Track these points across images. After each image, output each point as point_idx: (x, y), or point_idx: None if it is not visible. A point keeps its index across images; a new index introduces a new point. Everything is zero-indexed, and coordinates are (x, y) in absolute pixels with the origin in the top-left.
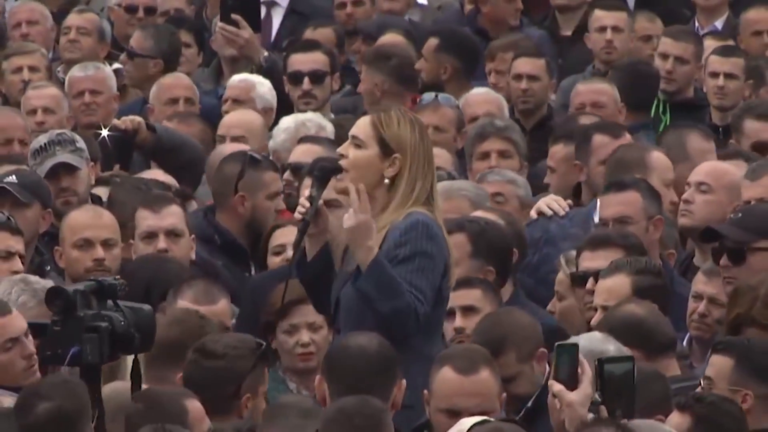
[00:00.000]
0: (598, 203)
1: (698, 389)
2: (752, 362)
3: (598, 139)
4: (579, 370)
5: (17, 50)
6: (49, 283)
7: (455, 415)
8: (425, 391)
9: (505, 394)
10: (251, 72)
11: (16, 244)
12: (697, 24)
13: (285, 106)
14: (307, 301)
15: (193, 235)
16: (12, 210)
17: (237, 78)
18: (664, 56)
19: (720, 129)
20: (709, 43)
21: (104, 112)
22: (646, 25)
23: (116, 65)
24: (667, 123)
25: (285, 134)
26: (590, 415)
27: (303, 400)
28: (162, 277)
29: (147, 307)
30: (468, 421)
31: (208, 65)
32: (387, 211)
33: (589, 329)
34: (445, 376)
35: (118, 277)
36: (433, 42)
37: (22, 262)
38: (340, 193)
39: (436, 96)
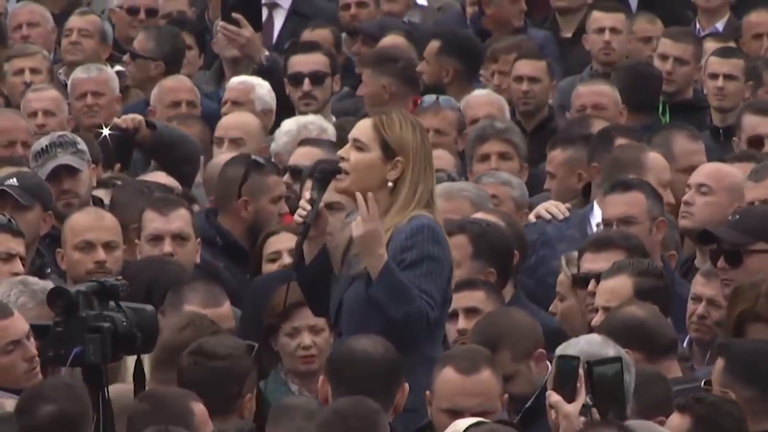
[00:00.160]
0: (596, 204)
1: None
2: (739, 365)
3: (621, 142)
4: (578, 384)
5: (19, 52)
6: (48, 284)
7: (457, 415)
8: (427, 392)
9: (507, 395)
10: (252, 74)
11: (17, 246)
12: (698, 25)
13: (285, 108)
14: None
15: (198, 239)
16: (13, 213)
17: (236, 80)
18: (664, 57)
19: (720, 131)
20: (710, 45)
21: (107, 113)
22: (646, 26)
23: (118, 67)
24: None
25: (287, 137)
26: (582, 419)
27: (308, 402)
28: (163, 279)
29: (149, 307)
30: (463, 423)
31: (209, 68)
32: (389, 214)
33: (590, 331)
34: (447, 376)
35: (119, 278)
36: (434, 44)
37: (23, 265)
38: (341, 193)
39: (437, 98)
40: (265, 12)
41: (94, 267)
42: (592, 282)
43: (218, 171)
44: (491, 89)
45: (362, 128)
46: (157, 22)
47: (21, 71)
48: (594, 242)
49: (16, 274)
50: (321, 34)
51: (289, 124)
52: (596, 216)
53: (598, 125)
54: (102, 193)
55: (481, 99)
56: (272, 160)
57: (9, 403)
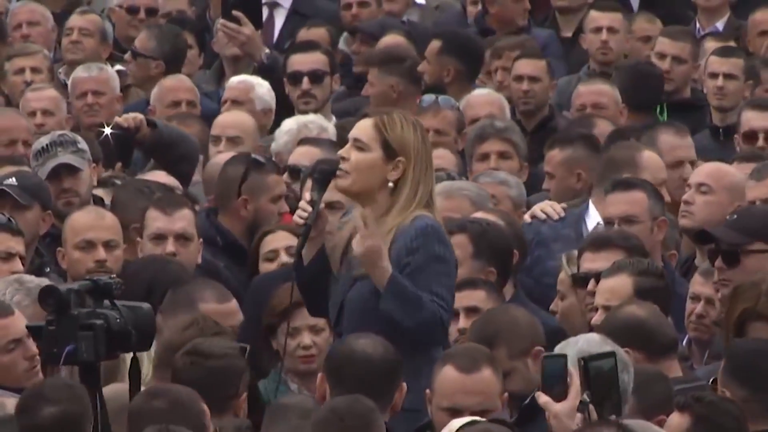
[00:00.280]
0: (591, 204)
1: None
2: (735, 364)
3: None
4: (567, 381)
5: (20, 51)
6: (43, 282)
7: (457, 413)
8: (427, 390)
9: (506, 393)
10: (253, 73)
11: (17, 245)
12: (698, 25)
13: (285, 107)
14: None
15: (200, 239)
16: (12, 212)
17: (236, 79)
18: (662, 56)
19: (720, 130)
20: (710, 44)
21: (107, 113)
22: (645, 26)
23: (118, 66)
24: None
25: (287, 136)
26: (577, 416)
27: (304, 401)
28: (164, 279)
29: (146, 305)
30: (458, 422)
31: (209, 67)
32: (390, 214)
33: (591, 330)
34: (447, 374)
35: (114, 276)
36: (435, 44)
37: (23, 264)
38: (341, 192)
39: (436, 98)
40: (265, 11)
41: (95, 266)
42: (592, 281)
43: (218, 170)
44: (492, 88)
45: (363, 128)
46: (157, 21)
47: (21, 70)
48: (593, 241)
49: (16, 273)
50: (317, 33)
51: (289, 124)
52: (591, 215)
53: (600, 125)
54: (102, 192)
55: (482, 98)
56: (273, 159)
57: (9, 402)
